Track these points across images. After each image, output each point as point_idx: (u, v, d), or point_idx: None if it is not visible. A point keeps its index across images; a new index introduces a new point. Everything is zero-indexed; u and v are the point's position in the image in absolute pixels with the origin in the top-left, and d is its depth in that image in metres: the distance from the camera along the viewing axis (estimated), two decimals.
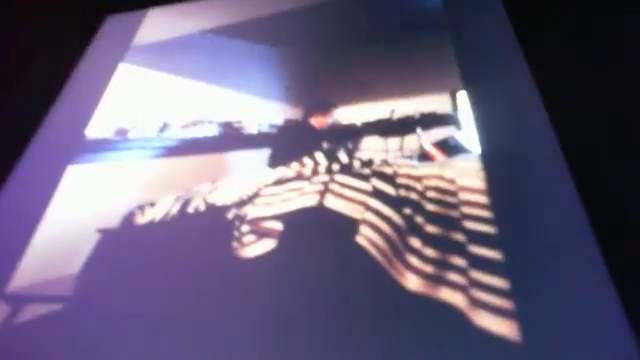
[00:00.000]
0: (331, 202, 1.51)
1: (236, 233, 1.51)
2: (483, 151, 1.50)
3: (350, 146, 1.68)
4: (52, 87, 2.29)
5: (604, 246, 1.20)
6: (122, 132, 2.01)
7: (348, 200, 1.50)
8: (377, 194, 1.49)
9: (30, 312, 1.50)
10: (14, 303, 1.52)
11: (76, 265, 1.58)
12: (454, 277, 1.24)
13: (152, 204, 1.68)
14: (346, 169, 1.60)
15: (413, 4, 2.14)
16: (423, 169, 1.52)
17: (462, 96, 1.68)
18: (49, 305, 1.50)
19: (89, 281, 1.55)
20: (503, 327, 1.13)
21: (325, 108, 1.83)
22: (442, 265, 1.27)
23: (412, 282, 1.25)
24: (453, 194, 1.42)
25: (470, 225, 1.33)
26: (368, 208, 1.45)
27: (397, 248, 1.33)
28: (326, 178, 1.58)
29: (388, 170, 1.54)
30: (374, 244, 1.36)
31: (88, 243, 1.63)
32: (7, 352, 1.43)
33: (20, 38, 2.59)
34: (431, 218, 1.38)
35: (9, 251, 1.66)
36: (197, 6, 2.57)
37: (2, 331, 1.47)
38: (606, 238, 1.22)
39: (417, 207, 1.41)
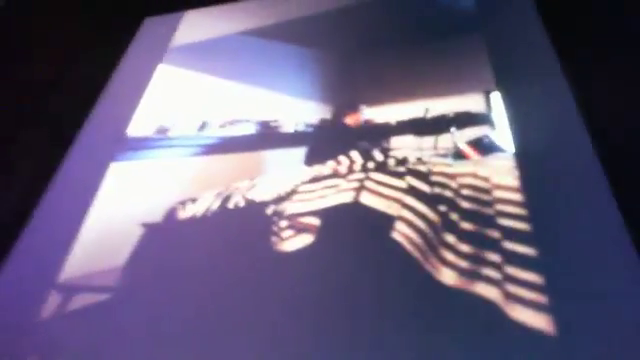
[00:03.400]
0: (367, 199, 1.55)
1: (275, 228, 1.56)
2: (517, 150, 1.52)
3: (385, 144, 1.72)
4: (94, 88, 2.38)
5: (637, 241, 1.22)
6: (162, 131, 2.08)
7: (383, 197, 1.53)
8: (412, 191, 1.52)
9: (79, 302, 1.57)
10: (65, 293, 1.60)
11: (121, 258, 1.65)
12: (489, 272, 1.26)
13: (193, 200, 1.75)
14: (381, 167, 1.64)
15: (446, 5, 2.17)
16: (457, 167, 1.55)
17: (496, 96, 1.70)
18: (96, 295, 1.58)
19: (133, 273, 1.61)
20: (538, 321, 1.15)
21: (357, 106, 1.87)
22: (477, 260, 1.30)
23: (448, 276, 1.29)
24: (487, 192, 1.45)
25: (504, 222, 1.35)
26: (403, 205, 1.49)
27: (432, 244, 1.37)
28: (362, 175, 1.62)
29: (423, 168, 1.58)
30: (410, 240, 1.40)
31: (132, 237, 1.70)
32: (58, 337, 1.51)
33: (62, 41, 2.68)
34: (466, 215, 1.41)
35: (59, 245, 1.74)
36: (232, 8, 2.63)
37: (54, 318, 1.55)
38: (639, 233, 1.24)
39: (452, 204, 1.45)
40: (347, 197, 1.57)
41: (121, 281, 1.60)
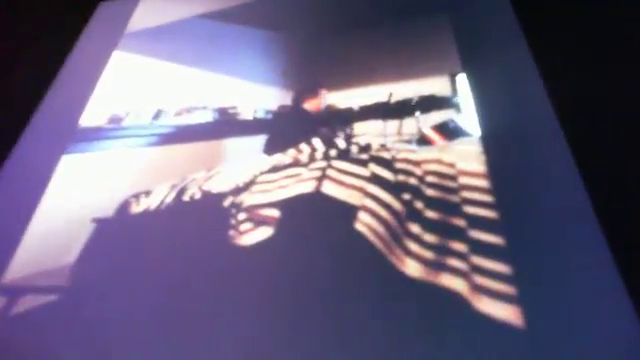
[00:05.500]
0: (328, 188, 1.48)
1: (232, 221, 1.49)
2: (483, 134, 1.47)
3: (348, 131, 1.65)
4: (45, 76, 2.26)
5: (607, 229, 1.18)
6: (116, 120, 1.98)
7: (346, 186, 1.47)
8: (375, 179, 1.46)
9: (27, 303, 1.48)
10: (10, 294, 1.50)
11: (72, 255, 1.57)
12: (455, 263, 1.21)
13: (147, 193, 1.66)
14: (344, 154, 1.57)
15: None
16: (422, 153, 1.50)
17: (462, 79, 1.65)
18: (45, 296, 1.48)
19: (85, 271, 1.53)
20: (505, 312, 1.11)
21: (316, 91, 1.80)
22: (442, 251, 1.24)
23: (412, 268, 1.23)
24: (453, 178, 1.39)
25: (470, 210, 1.30)
26: (366, 194, 1.43)
27: (396, 234, 1.31)
28: (323, 164, 1.56)
29: (386, 155, 1.52)
30: (373, 230, 1.34)
31: (83, 233, 1.61)
32: (4, 343, 1.42)
33: (12, 28, 2.56)
34: (431, 203, 1.35)
35: (4, 242, 1.64)
36: None
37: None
38: (609, 221, 1.20)
39: (416, 192, 1.39)
40: (308, 187, 1.50)
41: (71, 280, 1.51)
